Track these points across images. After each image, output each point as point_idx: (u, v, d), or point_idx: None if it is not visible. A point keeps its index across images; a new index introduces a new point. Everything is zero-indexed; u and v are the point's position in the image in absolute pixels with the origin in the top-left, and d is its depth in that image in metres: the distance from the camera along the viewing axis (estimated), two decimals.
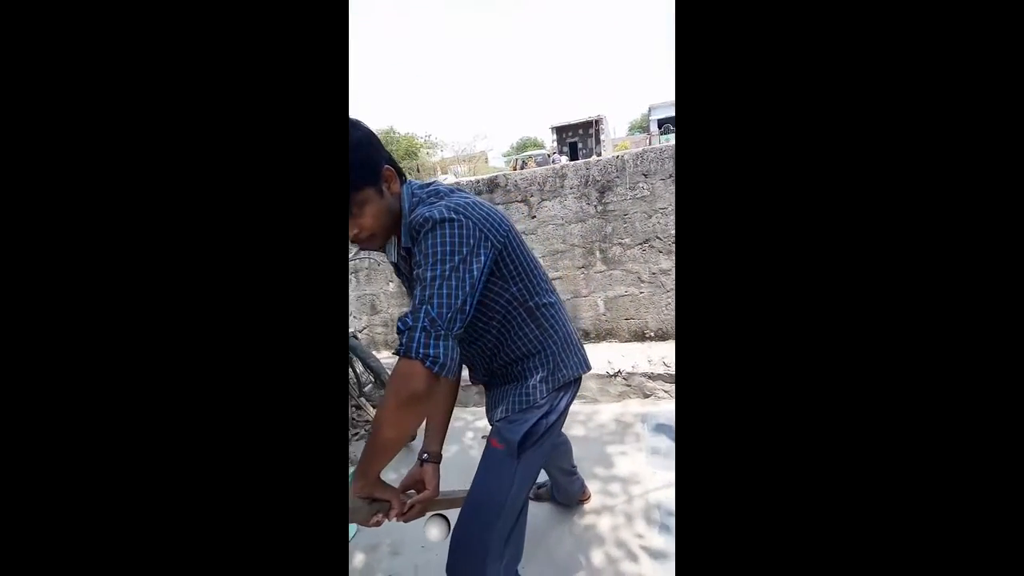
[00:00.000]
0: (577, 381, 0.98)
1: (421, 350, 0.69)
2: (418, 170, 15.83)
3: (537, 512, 1.58)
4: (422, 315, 0.70)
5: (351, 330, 1.95)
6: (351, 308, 2.38)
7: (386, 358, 2.34)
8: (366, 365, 1.90)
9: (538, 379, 0.91)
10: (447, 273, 0.73)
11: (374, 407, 2.23)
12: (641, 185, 2.22)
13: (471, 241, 0.76)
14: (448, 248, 0.74)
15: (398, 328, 0.72)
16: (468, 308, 0.74)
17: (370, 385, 2.12)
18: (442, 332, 0.70)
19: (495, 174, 2.37)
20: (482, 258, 0.77)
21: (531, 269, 0.90)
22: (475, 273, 0.75)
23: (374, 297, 2.81)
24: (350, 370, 2.06)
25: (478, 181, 2.38)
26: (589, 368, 1.00)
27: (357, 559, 1.49)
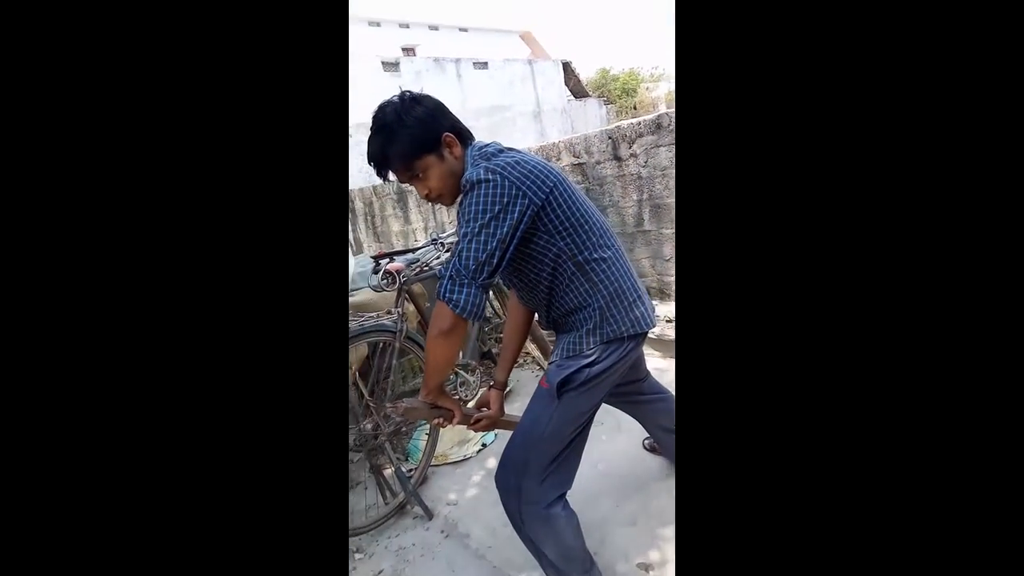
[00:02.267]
0: (634, 338, 0.97)
1: (447, 295, 0.83)
2: (635, 108, 15.10)
3: (651, 463, 1.60)
4: (451, 266, 0.84)
5: None
6: None
7: None
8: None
9: (585, 331, 0.95)
10: (477, 230, 0.84)
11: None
12: None
13: (504, 199, 0.84)
14: (480, 207, 0.84)
15: (437, 276, 0.87)
16: (496, 260, 0.84)
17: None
18: (466, 281, 0.83)
19: (659, 114, 2.20)
20: (516, 214, 0.85)
21: (581, 224, 0.92)
22: (505, 229, 0.84)
23: None
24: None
25: (639, 123, 2.25)
26: (647, 326, 0.97)
27: (489, 462, 1.79)
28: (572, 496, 1.05)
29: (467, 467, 1.79)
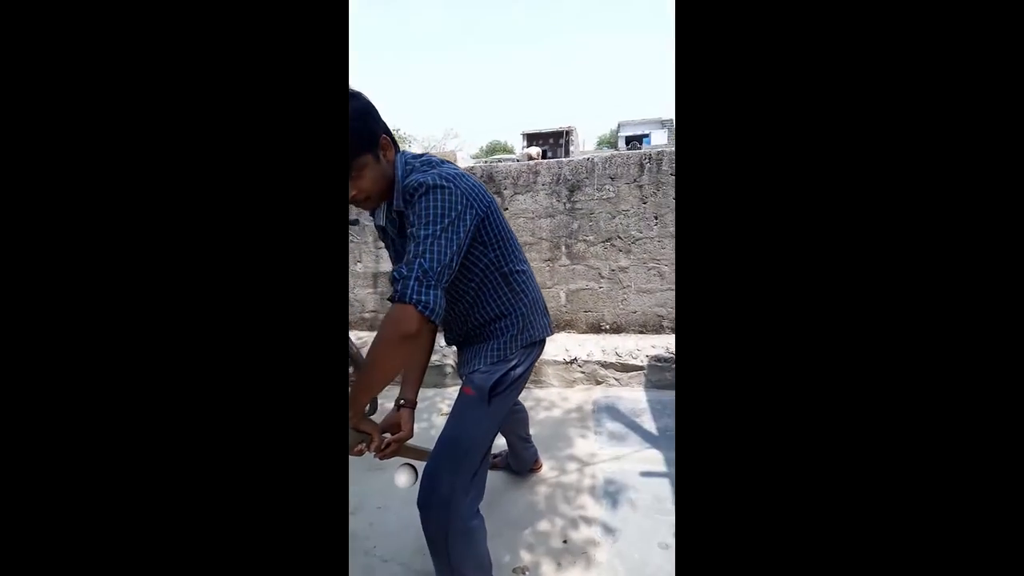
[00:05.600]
0: (542, 343, 1.10)
1: (415, 296, 0.79)
2: None
3: (496, 480, 1.69)
4: (416, 266, 0.80)
5: None
6: None
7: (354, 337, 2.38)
8: None
9: (509, 337, 1.03)
10: (438, 233, 0.83)
11: None
12: (608, 187, 2.39)
13: (459, 207, 0.87)
14: (440, 211, 0.84)
15: (393, 278, 0.81)
16: (454, 265, 0.85)
17: None
18: (432, 282, 0.81)
19: (473, 164, 2.48)
20: (468, 223, 0.88)
21: (507, 238, 1.01)
22: (461, 235, 0.86)
23: None
24: None
25: None
26: (551, 332, 1.12)
27: None
28: None
29: None
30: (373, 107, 0.91)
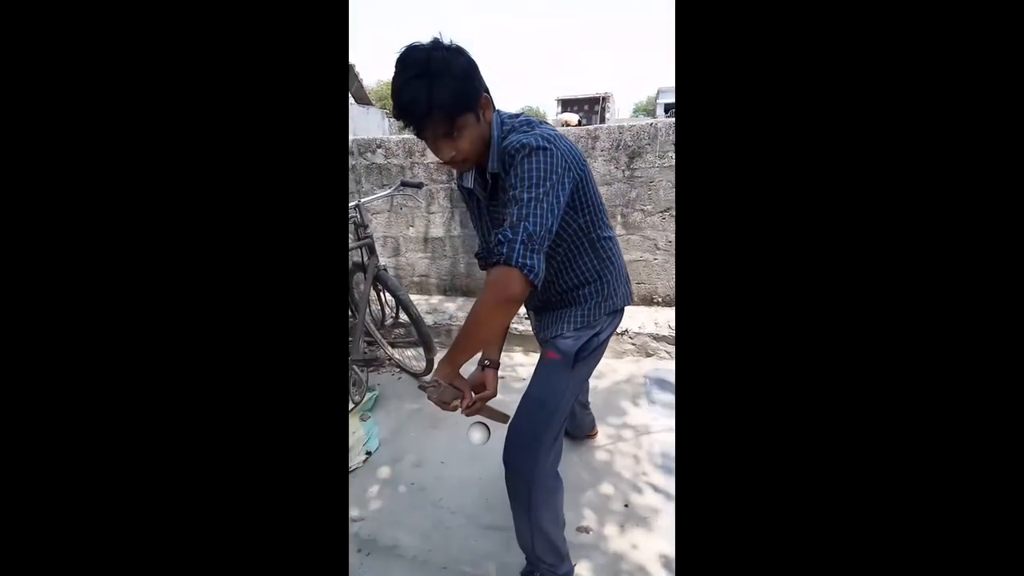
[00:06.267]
0: (623, 310, 1.09)
1: (520, 259, 0.78)
2: None
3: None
4: (521, 230, 0.79)
5: (382, 263, 2.01)
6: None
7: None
8: (395, 296, 1.98)
9: (593, 304, 1.02)
10: (541, 196, 0.81)
11: (391, 345, 2.32)
12: (670, 154, 2.30)
13: (559, 170, 0.84)
14: (543, 173, 0.82)
15: (498, 240, 0.80)
16: (554, 229, 0.84)
17: (391, 320, 2.20)
18: (536, 246, 0.80)
19: None
20: (567, 186, 0.86)
21: (597, 204, 0.99)
22: (561, 199, 0.84)
23: (396, 240, 2.88)
24: (375, 301, 2.14)
25: None
26: (631, 302, 1.11)
27: (382, 471, 1.61)
28: (496, 487, 1.03)
29: (358, 479, 1.58)
30: (476, 64, 0.89)
